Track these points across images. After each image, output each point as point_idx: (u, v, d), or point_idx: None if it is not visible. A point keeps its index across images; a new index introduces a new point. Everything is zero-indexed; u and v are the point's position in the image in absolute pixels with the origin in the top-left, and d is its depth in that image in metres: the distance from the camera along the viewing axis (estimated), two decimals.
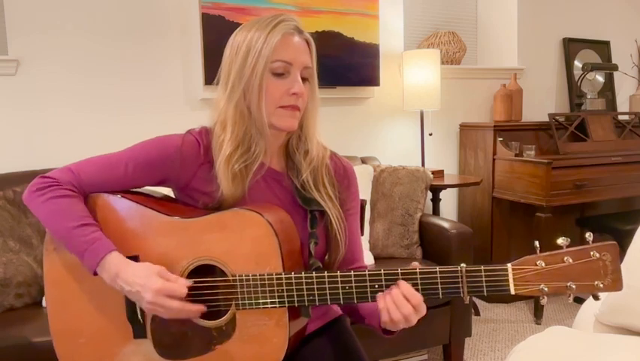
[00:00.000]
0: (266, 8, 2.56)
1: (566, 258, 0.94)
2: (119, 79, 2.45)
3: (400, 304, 0.96)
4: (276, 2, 2.62)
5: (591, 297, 1.61)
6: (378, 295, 0.98)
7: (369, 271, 0.99)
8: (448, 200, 3.25)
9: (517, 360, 1.37)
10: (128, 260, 1.03)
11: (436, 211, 2.84)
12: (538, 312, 2.87)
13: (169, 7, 2.51)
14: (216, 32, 2.48)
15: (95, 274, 1.02)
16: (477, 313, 2.94)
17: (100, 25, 2.39)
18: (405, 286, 0.96)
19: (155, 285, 0.97)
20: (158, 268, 1.01)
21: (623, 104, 3.74)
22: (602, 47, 3.65)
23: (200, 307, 1.01)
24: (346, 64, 2.79)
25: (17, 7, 2.25)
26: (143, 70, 2.49)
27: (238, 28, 1.11)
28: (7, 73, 2.25)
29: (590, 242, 0.95)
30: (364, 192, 2.37)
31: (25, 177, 2.02)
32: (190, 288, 1.03)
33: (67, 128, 2.37)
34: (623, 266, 1.40)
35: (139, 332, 1.07)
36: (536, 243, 0.97)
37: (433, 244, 2.35)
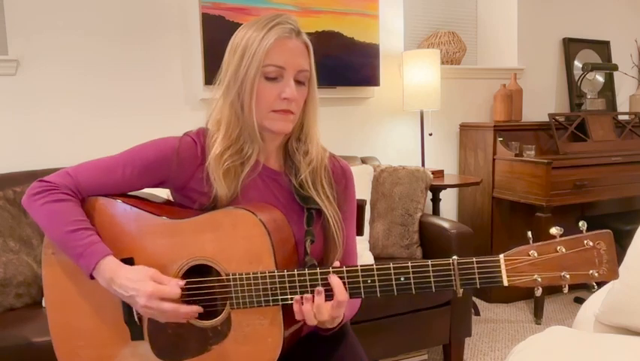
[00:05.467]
0: (266, 8, 2.56)
1: (559, 247, 0.92)
2: (119, 79, 2.45)
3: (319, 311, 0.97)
4: (276, 2, 2.62)
5: (591, 296, 1.61)
6: (295, 300, 0.98)
7: (361, 266, 0.99)
8: (448, 200, 3.25)
9: (517, 360, 1.37)
10: (122, 264, 1.03)
11: (436, 211, 2.84)
12: (538, 312, 2.86)
13: (169, 7, 2.51)
14: (216, 32, 2.47)
15: (92, 277, 1.02)
16: (477, 313, 2.94)
17: (100, 26, 2.39)
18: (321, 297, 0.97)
19: (148, 289, 0.98)
20: (152, 271, 1.01)
21: (623, 104, 3.74)
22: (602, 47, 3.64)
23: (196, 308, 1.01)
24: (346, 64, 2.79)
25: (17, 7, 2.25)
26: (143, 70, 2.49)
27: (240, 27, 1.11)
28: (7, 73, 2.25)
29: (584, 231, 0.93)
30: (364, 192, 2.36)
31: (25, 177, 2.02)
32: (185, 288, 1.02)
33: (67, 128, 2.37)
34: (623, 266, 1.40)
35: (136, 334, 1.07)
36: (529, 233, 0.96)
37: (433, 244, 2.35)
